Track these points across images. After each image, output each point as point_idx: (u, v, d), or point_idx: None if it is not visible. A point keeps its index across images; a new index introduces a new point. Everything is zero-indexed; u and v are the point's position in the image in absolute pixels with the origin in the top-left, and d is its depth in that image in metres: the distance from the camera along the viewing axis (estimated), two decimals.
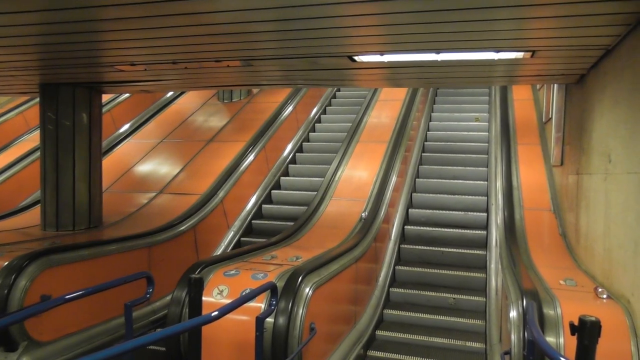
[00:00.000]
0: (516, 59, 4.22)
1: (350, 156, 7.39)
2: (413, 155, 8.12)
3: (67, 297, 2.69)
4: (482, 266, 6.00)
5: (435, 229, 6.74)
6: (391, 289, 5.89)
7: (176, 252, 5.97)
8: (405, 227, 6.87)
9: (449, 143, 8.50)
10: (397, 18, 3.26)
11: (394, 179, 6.88)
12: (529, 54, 3.97)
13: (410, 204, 7.33)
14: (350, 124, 8.54)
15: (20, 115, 10.60)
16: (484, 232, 6.51)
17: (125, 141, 9.08)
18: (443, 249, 6.36)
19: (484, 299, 5.48)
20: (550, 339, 2.90)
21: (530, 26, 3.44)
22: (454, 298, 5.62)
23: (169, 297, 5.49)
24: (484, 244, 6.37)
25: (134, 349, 2.21)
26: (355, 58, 4.21)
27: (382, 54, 4.08)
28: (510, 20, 3.27)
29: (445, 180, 7.60)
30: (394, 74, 5.14)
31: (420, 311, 5.49)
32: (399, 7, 3.03)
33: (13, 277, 4.07)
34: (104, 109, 9.29)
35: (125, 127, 9.53)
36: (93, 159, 6.16)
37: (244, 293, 3.59)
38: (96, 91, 6.21)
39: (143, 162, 8.24)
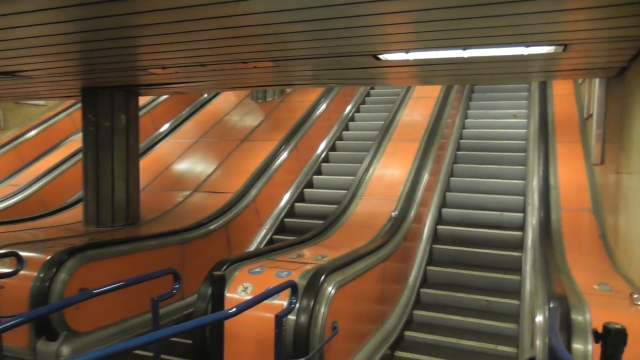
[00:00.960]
0: (550, 54, 4.09)
1: (382, 155, 7.35)
2: (447, 154, 8.00)
3: (94, 291, 2.81)
4: (517, 268, 5.85)
5: (469, 229, 6.62)
6: (422, 290, 5.83)
7: (209, 249, 6.12)
8: (437, 227, 6.78)
9: (485, 141, 8.31)
10: (422, 15, 3.23)
11: (426, 177, 6.80)
12: (561, 47, 3.85)
13: (443, 204, 7.22)
14: (383, 122, 8.48)
15: (68, 117, 11.10)
16: (520, 233, 6.34)
17: (164, 141, 9.35)
18: (476, 250, 6.23)
19: (518, 302, 5.34)
20: (577, 347, 2.80)
21: (562, 19, 3.32)
22: (487, 300, 5.51)
23: None
24: (519, 245, 6.20)
25: (157, 340, 2.30)
26: (380, 57, 4.20)
27: (407, 52, 4.05)
28: (542, 14, 3.17)
29: (480, 179, 7.44)
30: (422, 72, 5.08)
31: (451, 313, 5.41)
32: (426, 4, 3.00)
33: (54, 270, 4.29)
34: (144, 110, 9.65)
35: (164, 127, 9.82)
36: (130, 159, 6.38)
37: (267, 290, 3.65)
38: (132, 94, 6.43)
39: (179, 161, 8.46)
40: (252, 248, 6.91)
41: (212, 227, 6.23)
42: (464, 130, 8.84)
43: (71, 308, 4.14)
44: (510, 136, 8.31)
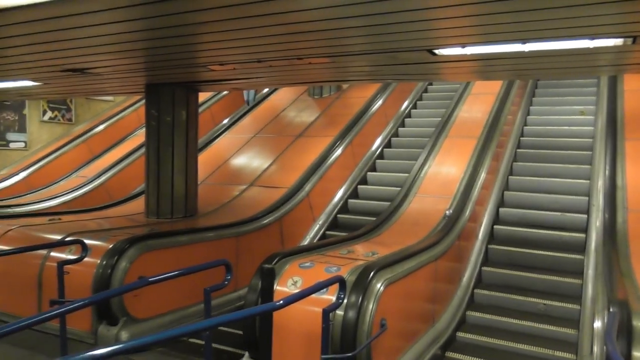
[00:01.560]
0: (618, 47, 3.86)
1: (438, 152, 7.20)
2: (507, 152, 7.72)
3: (150, 279, 2.93)
4: (579, 271, 5.57)
5: (527, 229, 6.37)
6: (476, 290, 5.67)
7: (262, 243, 6.23)
8: (494, 226, 6.57)
9: (548, 139, 7.96)
10: (479, 8, 3.13)
11: (483, 176, 6.61)
12: (630, 40, 3.62)
13: (501, 203, 6.99)
14: (440, 119, 8.31)
15: (134, 113, 11.66)
16: (583, 235, 6.03)
17: (222, 136, 9.61)
18: (535, 252, 5.99)
19: (578, 307, 5.09)
20: (637, 354, 2.64)
21: (631, 9, 3.11)
22: (545, 304, 5.29)
23: None
24: (581, 247, 5.90)
25: (207, 328, 2.39)
26: (436, 51, 4.11)
27: (463, 47, 3.94)
28: (608, 4, 2.99)
29: (541, 178, 7.14)
30: (480, 67, 4.93)
31: (506, 315, 5.23)
32: None
33: (115, 258, 4.52)
34: (204, 106, 9.97)
35: (223, 122, 10.09)
36: (189, 153, 6.61)
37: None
38: (192, 90, 6.64)
39: (237, 155, 8.67)
40: (305, 243, 6.98)
41: (266, 221, 6.35)
42: (525, 127, 8.51)
43: (130, 295, 4.36)
44: (576, 134, 7.91)
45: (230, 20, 3.59)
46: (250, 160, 8.40)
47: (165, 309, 4.84)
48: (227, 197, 7.32)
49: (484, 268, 5.97)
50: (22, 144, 10.22)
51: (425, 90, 10.46)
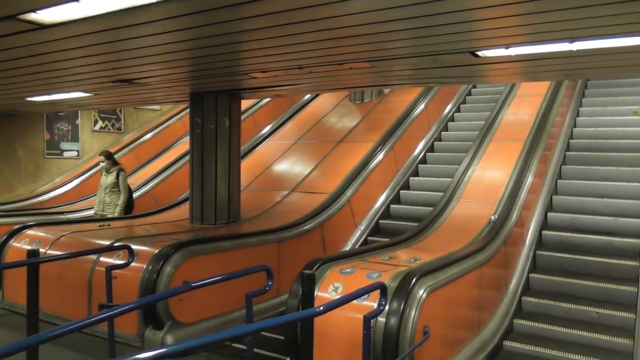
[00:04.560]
0: None
1: (482, 156, 7.03)
2: (555, 155, 7.46)
3: (193, 284, 2.99)
4: (633, 279, 5.30)
5: (578, 235, 6.12)
6: (523, 298, 5.48)
7: (304, 249, 6.25)
8: (542, 232, 6.34)
9: (599, 140, 7.64)
10: (525, 7, 3.03)
11: (530, 180, 6.40)
12: None
13: (550, 207, 6.74)
14: (484, 122, 8.12)
15: (180, 121, 11.99)
16: (638, 241, 5.74)
17: (265, 142, 9.72)
18: (586, 258, 5.74)
19: (633, 316, 4.84)
20: None
21: None
22: (597, 312, 5.06)
23: None
24: (636, 253, 5.62)
25: (249, 333, 2.41)
26: (478, 53, 4.02)
27: (507, 47, 3.84)
28: None
29: (592, 182, 6.85)
30: (526, 68, 4.78)
31: (556, 324, 5.03)
32: None
33: (161, 263, 4.63)
34: (247, 113, 10.12)
35: (266, 129, 10.21)
36: (232, 160, 6.72)
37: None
38: (235, 97, 6.76)
39: (279, 161, 8.75)
40: (347, 249, 6.95)
41: (307, 226, 6.36)
42: (574, 129, 8.20)
43: (176, 300, 4.45)
44: (629, 135, 7.56)
45: (274, 27, 3.63)
46: (292, 166, 8.46)
47: (209, 314, 4.92)
48: (269, 203, 7.39)
49: (532, 275, 5.77)
50: (75, 153, 10.68)
51: (469, 93, 10.26)
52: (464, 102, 10.11)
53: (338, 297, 3.65)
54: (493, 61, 4.40)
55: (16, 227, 5.86)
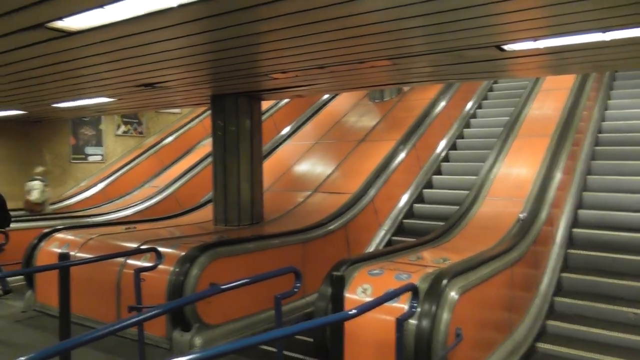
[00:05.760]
0: None
1: (507, 152, 6.89)
2: (583, 150, 7.27)
3: (222, 287, 2.97)
4: None
5: (610, 232, 5.94)
6: (555, 298, 5.34)
7: (328, 249, 6.21)
8: (573, 230, 6.18)
9: (629, 134, 7.43)
10: None
11: (558, 176, 6.24)
12: None
13: (579, 204, 6.57)
14: (508, 118, 7.97)
15: (200, 124, 12.06)
16: None
17: (285, 143, 9.70)
18: (620, 256, 5.57)
19: None
20: None
21: None
22: (635, 313, 4.90)
23: None
24: None
25: (281, 337, 2.38)
26: (505, 47, 3.92)
27: (535, 40, 3.73)
28: None
29: (623, 177, 6.66)
30: (553, 61, 4.66)
31: (591, 325, 4.88)
32: None
33: (188, 265, 4.64)
34: (267, 114, 10.11)
35: (285, 130, 10.19)
36: (254, 161, 6.71)
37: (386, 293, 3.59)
38: (255, 99, 6.75)
39: (300, 162, 8.72)
40: (371, 249, 6.88)
41: (331, 227, 6.32)
42: (603, 123, 7.99)
43: (203, 302, 4.44)
44: None
45: (294, 27, 3.60)
46: (313, 167, 8.42)
47: (236, 315, 4.91)
48: (292, 204, 7.36)
49: (564, 274, 5.62)
50: (99, 157, 10.81)
51: (491, 89, 10.09)
52: (486, 98, 9.95)
53: (368, 299, 3.60)
54: (519, 55, 4.29)
55: (46, 230, 5.95)
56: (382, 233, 7.15)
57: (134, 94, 6.50)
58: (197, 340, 4.49)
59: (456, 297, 3.45)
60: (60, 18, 3.26)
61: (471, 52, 4.13)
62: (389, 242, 7.08)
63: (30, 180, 8.28)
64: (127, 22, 3.32)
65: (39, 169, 8.42)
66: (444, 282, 3.45)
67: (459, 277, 3.64)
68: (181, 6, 3.03)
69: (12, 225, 6.69)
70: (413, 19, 3.40)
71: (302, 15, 3.29)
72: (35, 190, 8.12)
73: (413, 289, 2.96)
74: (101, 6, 2.99)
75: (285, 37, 3.87)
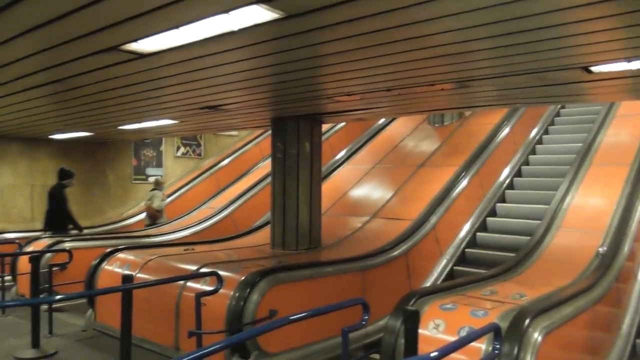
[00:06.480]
0: None
1: (582, 181, 6.47)
2: None
3: (291, 317, 2.83)
4: None
5: None
6: (638, 340, 4.87)
7: (388, 277, 5.97)
8: None
9: None
10: None
11: None
12: None
13: None
14: (580, 145, 7.53)
15: (257, 146, 12.18)
16: None
17: (342, 167, 9.59)
18: None
19: None
20: None
21: None
22: None
23: (380, 322, 5.51)
24: None
25: None
26: (592, 69, 3.66)
27: (629, 61, 3.45)
28: None
29: None
30: None
31: None
32: None
33: (248, 290, 4.53)
34: (323, 137, 10.05)
35: (341, 154, 10.09)
36: (314, 185, 6.61)
37: (461, 330, 3.34)
38: (317, 122, 6.69)
39: (356, 187, 8.56)
40: (433, 278, 6.58)
41: (392, 254, 6.08)
42: None
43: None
44: None
45: (363, 48, 3.50)
46: (371, 191, 8.24)
47: (295, 344, 4.73)
48: (350, 229, 7.19)
49: None
50: (159, 178, 11.06)
51: (558, 114, 9.64)
52: (552, 123, 9.50)
53: (440, 335, 3.36)
54: (606, 77, 4.00)
55: (108, 250, 6.03)
56: (443, 262, 6.84)
57: (196, 116, 6.59)
58: None
59: (540, 338, 3.16)
60: (135, 40, 3.29)
61: (555, 73, 3.88)
62: (451, 272, 6.75)
63: (152, 190, 9.39)
64: (196, 44, 3.32)
65: (158, 179, 9.64)
66: (527, 321, 3.17)
67: (541, 316, 3.34)
68: (248, 28, 2.98)
69: (74, 244, 6.86)
70: (482, 40, 3.23)
71: (376, 35, 3.18)
72: (157, 198, 9.21)
73: (496, 330, 2.71)
74: (176, 27, 3.00)
75: (354, 58, 3.78)
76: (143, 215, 10.00)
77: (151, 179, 9.48)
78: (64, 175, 7.96)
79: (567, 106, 9.70)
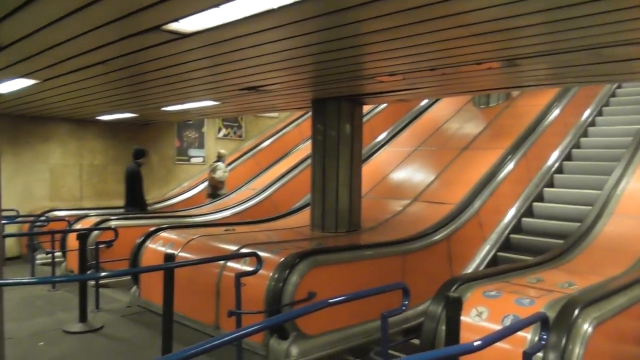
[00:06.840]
0: None
1: (638, 165, 6.12)
2: None
3: (329, 301, 2.80)
4: None
5: None
6: None
7: (429, 262, 5.86)
8: None
9: None
10: None
11: None
12: None
13: None
14: (638, 127, 7.12)
15: (296, 128, 12.16)
16: None
17: (383, 149, 9.45)
18: None
19: None
20: None
21: None
22: None
23: (420, 307, 5.44)
24: None
25: None
26: None
27: None
28: None
29: None
30: None
31: None
32: None
33: (287, 272, 4.54)
34: (364, 119, 9.92)
35: (382, 136, 9.93)
36: (354, 167, 6.53)
37: (505, 319, 3.23)
38: (358, 103, 6.57)
39: (397, 169, 8.42)
40: (475, 264, 6.42)
41: (433, 239, 5.95)
42: None
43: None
44: None
45: (406, 25, 3.37)
46: (413, 174, 8.08)
47: (333, 326, 4.72)
48: (390, 213, 7.09)
49: None
50: (201, 159, 11.24)
51: (613, 94, 9.14)
52: (607, 104, 9.03)
53: (483, 323, 3.26)
54: None
55: (151, 229, 6.17)
56: (487, 248, 6.65)
57: (237, 97, 6.60)
58: (294, 350, 4.37)
59: (590, 330, 3.01)
60: (176, 20, 3.28)
61: (613, 50, 3.63)
62: (495, 258, 6.57)
63: (215, 162, 9.80)
64: (236, 23, 3.28)
65: (221, 152, 9.92)
66: (576, 311, 3.02)
67: (591, 306, 3.18)
68: (287, 5, 2.91)
69: (120, 222, 7.08)
70: (532, 15, 3.04)
71: (410, 13, 3.06)
72: (220, 170, 9.63)
73: (543, 319, 2.58)
74: (217, 6, 2.96)
75: (394, 37, 3.65)
76: (186, 196, 10.20)
77: (220, 152, 9.98)
78: (138, 154, 8.30)
79: (623, 85, 9.18)
